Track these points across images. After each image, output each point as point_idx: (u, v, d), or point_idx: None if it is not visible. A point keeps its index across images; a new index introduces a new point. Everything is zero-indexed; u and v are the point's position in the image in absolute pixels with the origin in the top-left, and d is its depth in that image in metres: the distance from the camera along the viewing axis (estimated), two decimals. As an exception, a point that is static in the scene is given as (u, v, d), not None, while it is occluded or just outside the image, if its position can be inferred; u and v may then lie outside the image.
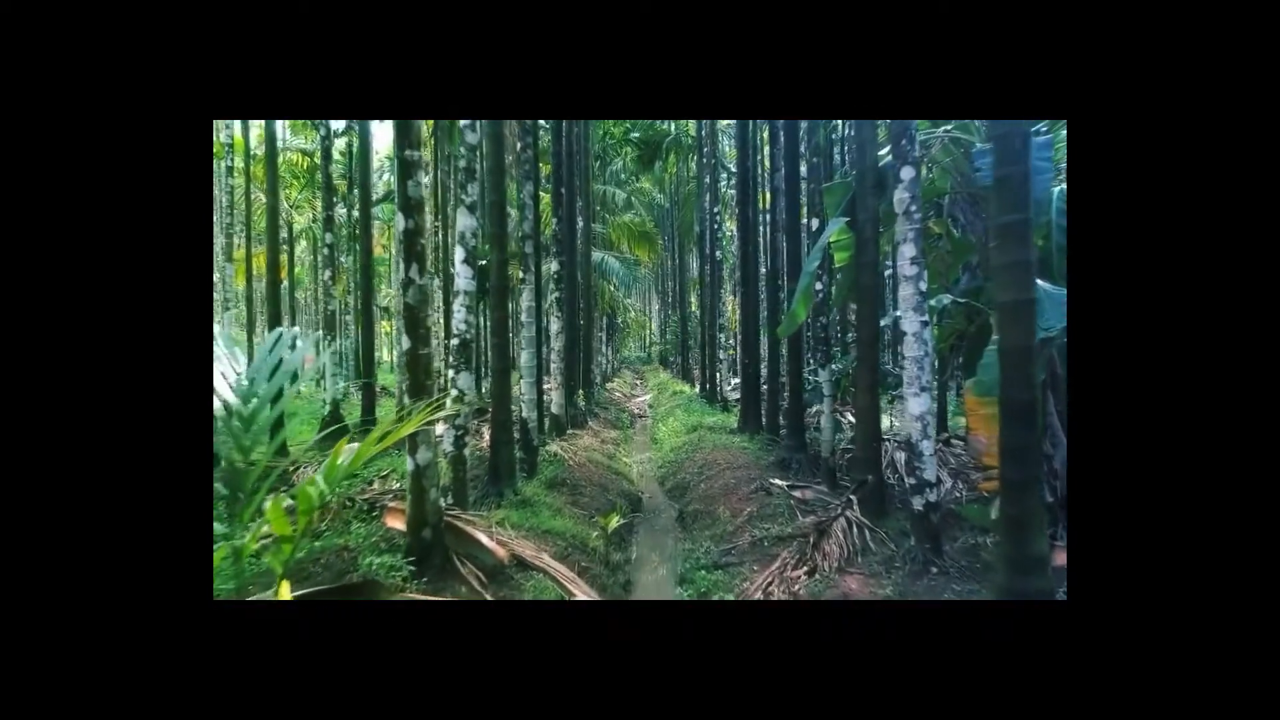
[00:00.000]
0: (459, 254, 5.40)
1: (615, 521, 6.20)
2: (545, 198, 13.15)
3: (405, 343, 4.35)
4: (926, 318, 5.31)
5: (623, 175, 23.71)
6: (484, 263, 8.40)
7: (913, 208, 5.34)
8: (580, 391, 14.46)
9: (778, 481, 8.20)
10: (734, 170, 23.80)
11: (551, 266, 11.05)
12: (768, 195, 14.52)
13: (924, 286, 5.31)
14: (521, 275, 8.21)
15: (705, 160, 17.18)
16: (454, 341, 5.15)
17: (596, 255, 18.40)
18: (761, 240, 14.67)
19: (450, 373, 5.08)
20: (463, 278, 5.35)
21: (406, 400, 4.34)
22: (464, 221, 5.47)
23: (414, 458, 4.38)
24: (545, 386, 12.24)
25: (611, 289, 21.16)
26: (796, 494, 7.84)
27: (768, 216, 14.85)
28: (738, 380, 21.28)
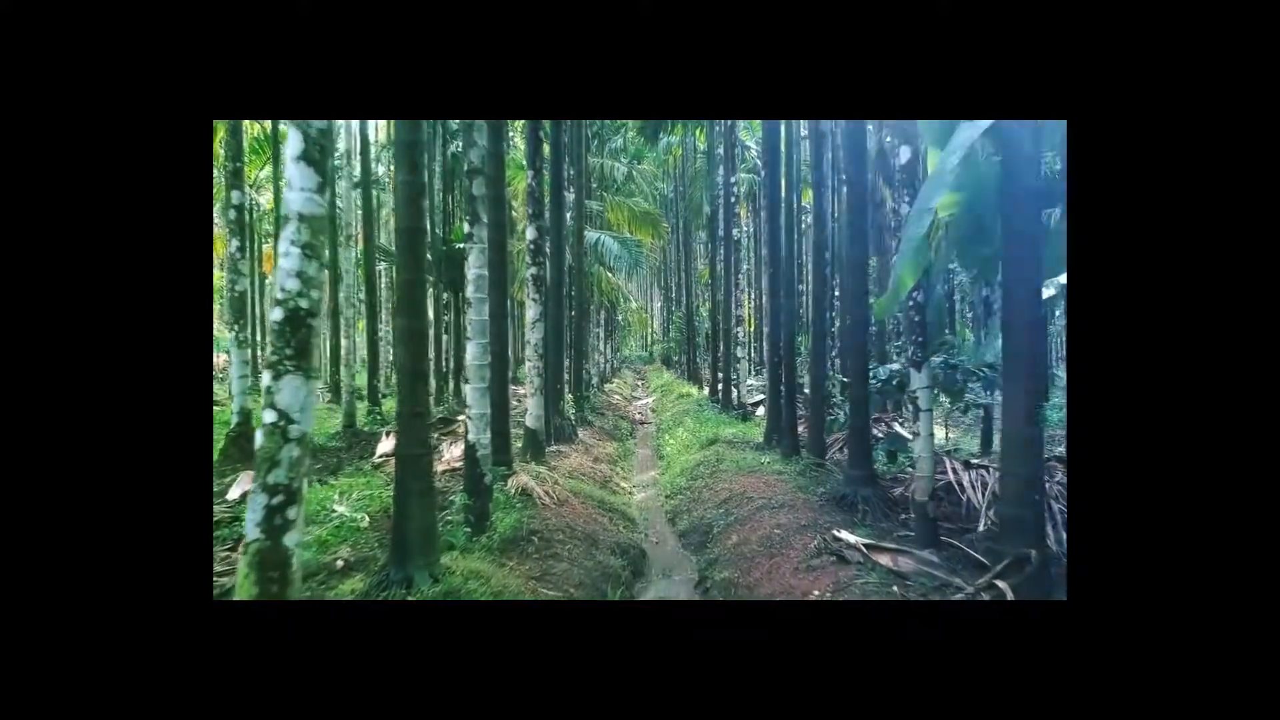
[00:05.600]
0: (292, 145, 2.70)
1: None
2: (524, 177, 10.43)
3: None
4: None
5: (624, 157, 21.17)
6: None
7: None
8: (570, 397, 11.76)
9: (849, 537, 5.50)
10: (749, 145, 21.26)
11: (529, 233, 8.38)
12: (805, 148, 11.82)
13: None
14: (468, 228, 5.51)
15: (720, 128, 14.51)
16: (275, 314, 2.49)
17: (592, 235, 15.72)
18: (794, 203, 11.93)
19: (265, 376, 2.44)
20: (296, 189, 2.63)
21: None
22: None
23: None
24: (521, 392, 9.58)
25: (609, 276, 18.41)
26: (884, 560, 5.16)
27: (808, 173, 12.14)
28: (753, 382, 18.65)
